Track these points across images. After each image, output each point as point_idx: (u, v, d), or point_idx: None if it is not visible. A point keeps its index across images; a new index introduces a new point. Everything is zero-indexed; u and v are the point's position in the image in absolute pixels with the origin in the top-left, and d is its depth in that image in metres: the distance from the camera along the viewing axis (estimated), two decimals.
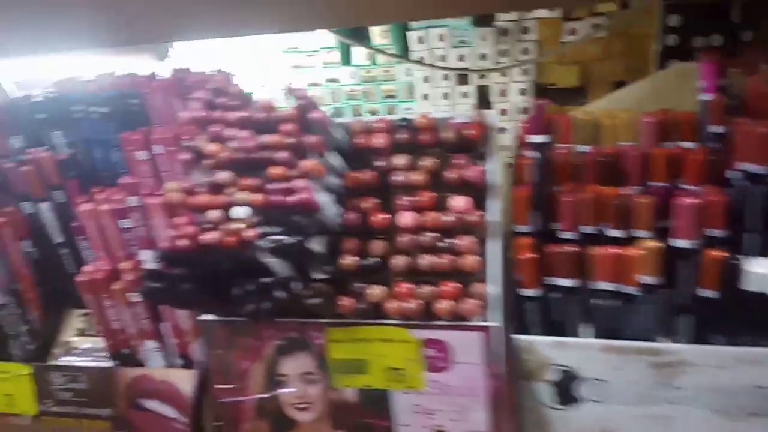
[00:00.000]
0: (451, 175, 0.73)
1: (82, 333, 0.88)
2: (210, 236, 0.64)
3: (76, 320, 0.89)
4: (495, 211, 0.72)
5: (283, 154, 0.68)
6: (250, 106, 0.74)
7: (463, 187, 0.73)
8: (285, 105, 0.75)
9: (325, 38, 1.71)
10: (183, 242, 0.64)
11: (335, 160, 0.75)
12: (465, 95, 1.67)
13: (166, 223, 0.74)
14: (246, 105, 0.74)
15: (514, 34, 1.61)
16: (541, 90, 1.64)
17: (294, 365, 0.70)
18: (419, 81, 1.70)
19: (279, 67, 1.78)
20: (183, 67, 0.95)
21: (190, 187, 0.68)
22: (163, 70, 0.99)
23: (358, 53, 1.75)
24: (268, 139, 0.68)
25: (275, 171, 0.66)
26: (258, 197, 0.65)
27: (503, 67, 1.60)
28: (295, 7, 0.65)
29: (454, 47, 1.63)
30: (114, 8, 0.72)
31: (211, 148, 0.69)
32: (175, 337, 0.78)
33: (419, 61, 1.63)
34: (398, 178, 0.73)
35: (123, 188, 0.86)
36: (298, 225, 0.65)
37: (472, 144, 0.76)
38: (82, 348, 0.85)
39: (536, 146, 0.73)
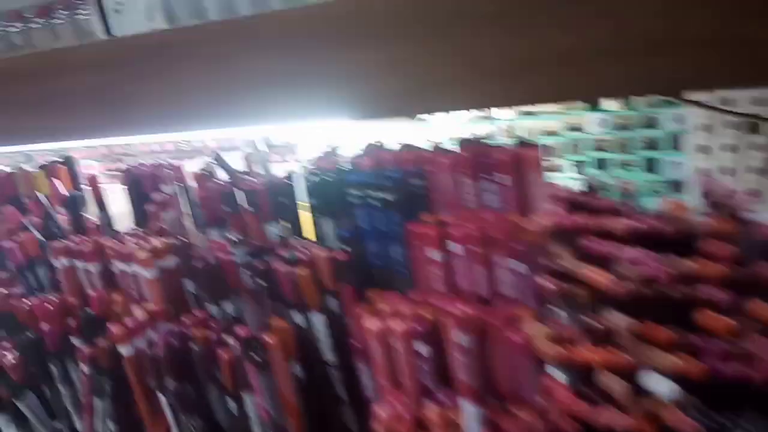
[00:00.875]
0: None
1: None
2: (611, 418, 0.43)
3: None
4: None
5: (719, 293, 0.45)
6: (633, 208, 0.52)
7: None
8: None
9: None
10: (569, 425, 0.43)
11: None
12: (758, 147, 1.35)
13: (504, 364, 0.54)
14: (627, 206, 0.53)
15: None
16: None
17: None
18: (693, 129, 1.41)
19: (502, 113, 1.58)
20: (474, 137, 0.78)
21: (563, 334, 0.48)
22: (419, 132, 0.83)
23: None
24: (692, 266, 0.46)
25: (716, 321, 0.44)
26: (687, 362, 0.43)
27: None
28: (563, 76, 0.46)
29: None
30: (373, 81, 0.57)
31: (591, 274, 0.48)
32: None
33: (698, 104, 1.35)
34: None
35: (415, 299, 0.69)
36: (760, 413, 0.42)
37: None
38: None
39: None
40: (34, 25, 0.98)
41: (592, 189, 0.56)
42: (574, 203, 0.54)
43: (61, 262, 0.86)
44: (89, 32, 1.00)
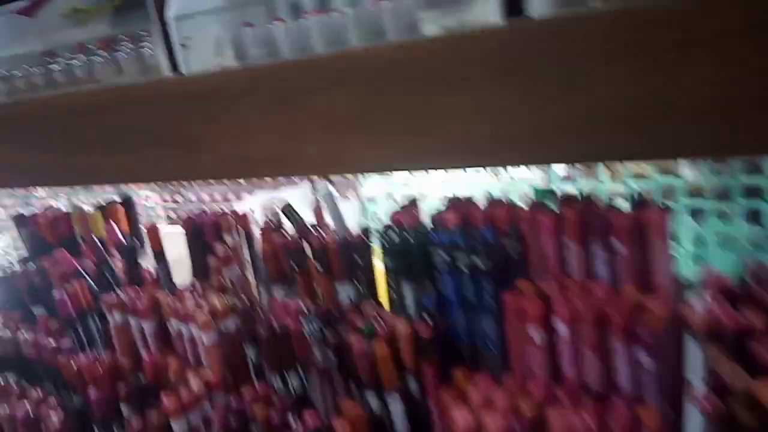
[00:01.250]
0: None
1: None
2: None
3: None
4: None
5: None
6: None
7: None
8: None
9: None
10: None
11: None
12: None
13: None
14: None
15: None
16: None
17: None
18: None
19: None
20: (578, 194, 0.68)
21: None
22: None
23: None
24: None
25: None
26: None
27: None
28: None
29: None
30: (462, 128, 0.50)
31: (765, 391, 0.38)
32: None
33: None
34: None
35: (510, 385, 0.60)
36: None
37: None
38: None
39: None
40: (96, 58, 0.94)
41: (760, 278, 0.46)
42: (733, 294, 0.44)
43: (114, 318, 0.80)
44: (154, 67, 0.96)
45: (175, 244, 0.96)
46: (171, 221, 2.11)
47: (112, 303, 0.80)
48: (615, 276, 0.62)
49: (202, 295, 0.75)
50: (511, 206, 0.69)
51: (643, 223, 0.60)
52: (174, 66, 0.85)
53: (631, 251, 0.60)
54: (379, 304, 0.72)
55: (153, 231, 0.86)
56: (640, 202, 0.64)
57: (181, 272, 0.95)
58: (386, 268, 0.71)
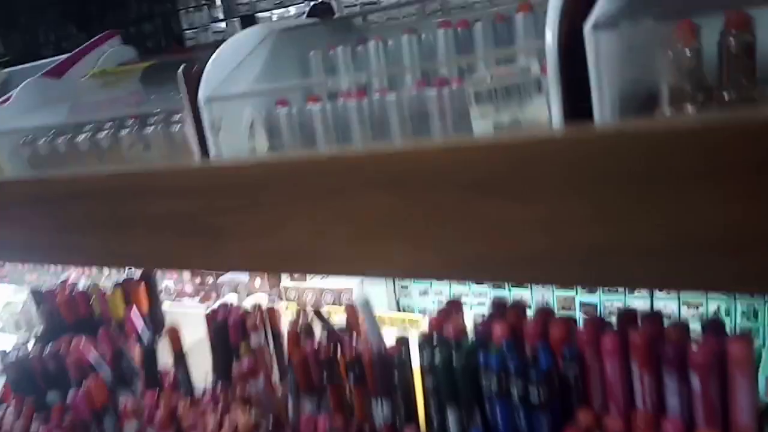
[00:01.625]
0: None
1: None
2: None
3: None
4: None
5: None
6: None
7: None
8: None
9: None
10: None
11: None
12: None
13: None
14: None
15: None
16: None
17: None
18: None
19: None
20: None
21: None
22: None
23: None
24: None
25: None
26: None
27: None
28: None
29: None
30: (513, 240, 0.44)
31: None
32: None
33: None
34: None
35: None
36: None
37: None
38: None
39: None
40: (123, 131, 0.90)
41: None
42: None
43: (130, 425, 0.75)
44: (183, 145, 0.92)
45: (197, 324, 0.91)
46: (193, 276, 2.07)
47: (128, 409, 0.75)
48: (688, 410, 0.55)
49: (224, 408, 0.70)
50: (565, 321, 0.63)
51: (723, 354, 0.53)
52: (203, 145, 0.80)
53: (708, 384, 0.54)
54: (418, 426, 0.66)
55: (173, 333, 0.80)
56: (713, 325, 0.57)
57: (202, 359, 0.90)
58: (426, 386, 0.65)
